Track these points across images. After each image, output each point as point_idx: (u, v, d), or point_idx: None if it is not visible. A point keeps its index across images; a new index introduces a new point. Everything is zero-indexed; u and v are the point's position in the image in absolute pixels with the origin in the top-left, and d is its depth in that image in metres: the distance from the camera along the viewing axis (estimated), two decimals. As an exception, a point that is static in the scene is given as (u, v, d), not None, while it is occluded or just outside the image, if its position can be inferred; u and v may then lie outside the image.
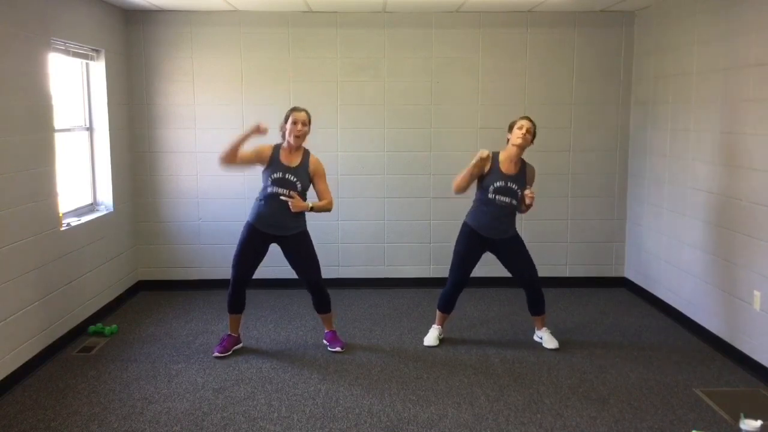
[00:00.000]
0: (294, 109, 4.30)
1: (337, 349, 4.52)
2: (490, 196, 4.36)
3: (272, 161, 4.29)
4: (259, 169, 4.39)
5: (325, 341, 4.64)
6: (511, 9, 5.71)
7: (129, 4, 5.49)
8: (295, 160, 4.30)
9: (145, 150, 5.94)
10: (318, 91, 5.91)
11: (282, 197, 4.25)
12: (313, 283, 4.46)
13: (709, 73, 4.67)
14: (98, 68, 5.33)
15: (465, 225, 4.55)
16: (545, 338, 4.65)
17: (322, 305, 4.55)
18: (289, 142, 4.28)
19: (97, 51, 5.30)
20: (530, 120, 4.40)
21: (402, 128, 5.98)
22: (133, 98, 5.87)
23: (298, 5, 5.53)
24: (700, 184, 4.80)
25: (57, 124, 4.62)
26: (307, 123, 4.29)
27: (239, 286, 4.44)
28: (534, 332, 4.77)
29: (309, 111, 4.34)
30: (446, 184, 6.03)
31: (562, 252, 6.15)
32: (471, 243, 4.51)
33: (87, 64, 5.29)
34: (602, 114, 6.00)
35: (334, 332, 4.62)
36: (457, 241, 4.57)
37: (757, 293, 4.12)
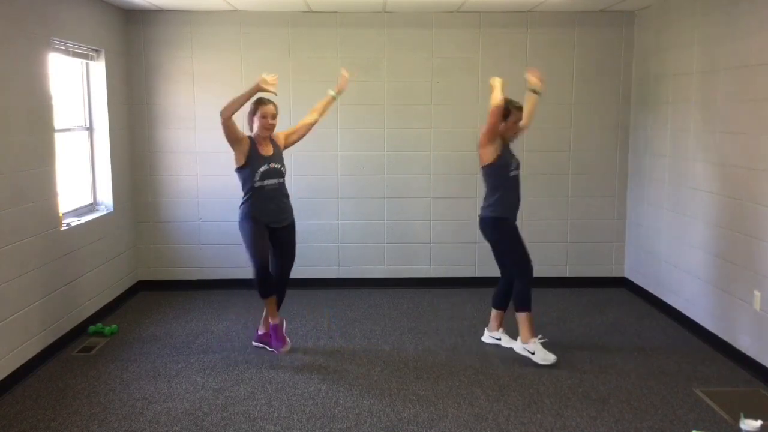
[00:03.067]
0: (261, 102, 4.31)
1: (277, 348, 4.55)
2: (512, 174, 4.37)
3: (252, 155, 4.31)
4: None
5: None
6: (511, 9, 5.71)
7: (129, 4, 5.49)
8: (269, 149, 4.38)
9: (145, 150, 5.94)
10: (318, 91, 5.81)
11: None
12: (285, 272, 4.59)
13: (709, 73, 4.67)
14: (98, 68, 5.33)
15: (503, 220, 4.37)
16: (504, 339, 4.65)
17: (280, 294, 4.65)
18: (258, 135, 4.35)
19: (97, 51, 5.30)
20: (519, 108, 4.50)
21: (402, 128, 5.98)
22: (133, 98, 5.87)
23: (298, 5, 5.53)
24: (700, 184, 4.80)
25: (57, 124, 4.62)
26: (276, 116, 4.35)
27: (265, 271, 4.41)
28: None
29: (276, 103, 4.39)
30: (446, 184, 6.05)
31: (562, 252, 6.15)
32: (518, 234, 4.43)
33: (87, 64, 5.29)
34: (602, 114, 6.00)
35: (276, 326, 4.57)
36: (510, 240, 4.39)
37: (757, 293, 4.12)
